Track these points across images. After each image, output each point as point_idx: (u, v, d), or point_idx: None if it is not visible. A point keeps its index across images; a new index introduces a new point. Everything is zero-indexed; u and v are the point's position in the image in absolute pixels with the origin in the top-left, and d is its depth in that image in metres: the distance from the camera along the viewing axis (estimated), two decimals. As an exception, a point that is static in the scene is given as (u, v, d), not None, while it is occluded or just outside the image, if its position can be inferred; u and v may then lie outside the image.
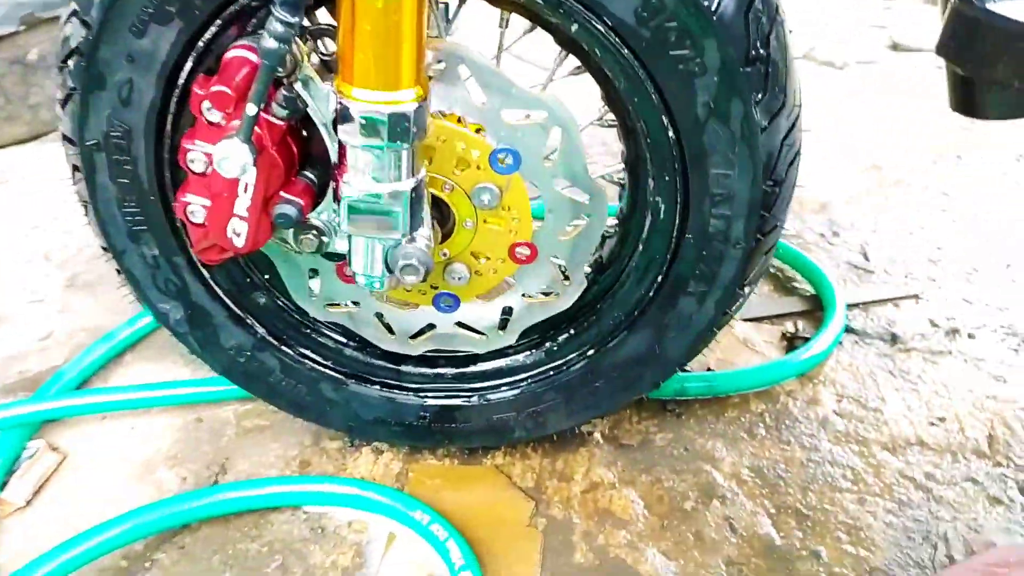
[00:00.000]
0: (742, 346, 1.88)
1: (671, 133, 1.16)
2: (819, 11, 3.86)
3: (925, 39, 3.55)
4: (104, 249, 1.33)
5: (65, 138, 1.21)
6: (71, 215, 2.38)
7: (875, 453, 1.61)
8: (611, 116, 1.29)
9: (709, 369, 1.79)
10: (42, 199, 2.46)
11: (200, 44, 1.11)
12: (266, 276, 1.43)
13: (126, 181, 1.22)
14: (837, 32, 3.68)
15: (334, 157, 1.11)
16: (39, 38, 2.69)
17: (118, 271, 1.34)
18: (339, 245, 1.19)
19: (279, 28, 0.92)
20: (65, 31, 1.13)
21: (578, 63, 1.21)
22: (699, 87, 1.10)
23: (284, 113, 1.05)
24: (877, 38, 3.67)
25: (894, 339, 1.90)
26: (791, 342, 1.89)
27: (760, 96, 1.11)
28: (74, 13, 1.11)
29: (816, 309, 1.98)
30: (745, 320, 1.94)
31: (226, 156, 1.00)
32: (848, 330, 1.91)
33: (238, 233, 1.13)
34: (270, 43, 0.93)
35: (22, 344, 1.88)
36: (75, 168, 1.23)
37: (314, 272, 1.34)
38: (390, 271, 1.16)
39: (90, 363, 1.76)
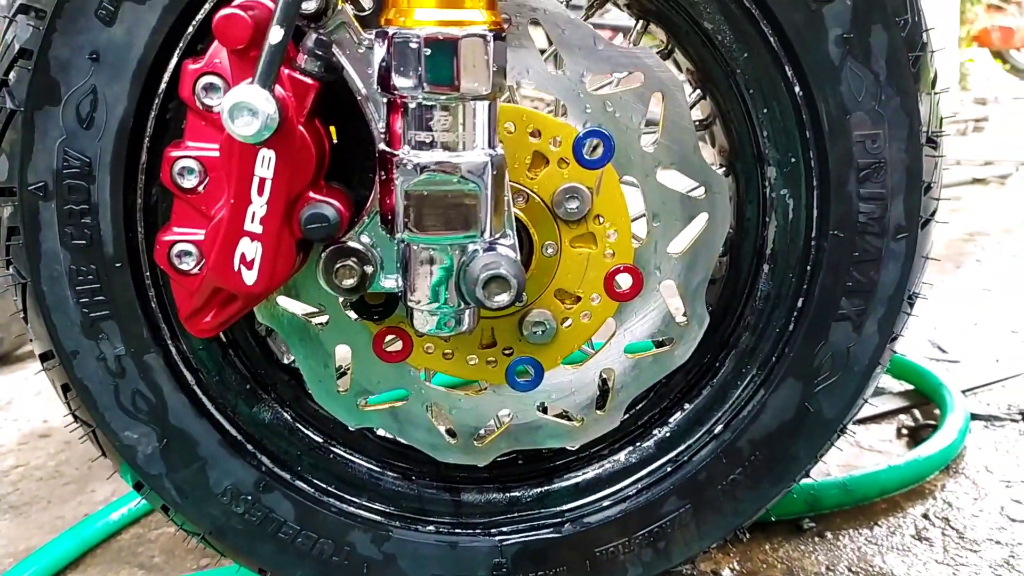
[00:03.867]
0: (860, 449, 1.52)
1: (797, 90, 0.92)
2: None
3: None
4: (44, 358, 0.95)
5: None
6: (-9, 438, 1.97)
7: (1092, 535, 1.22)
8: (698, 115, 1.05)
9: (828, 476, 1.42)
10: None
11: (189, 31, 0.85)
12: (271, 383, 1.05)
13: (83, 243, 0.89)
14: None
15: (381, 141, 0.81)
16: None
17: (64, 388, 0.95)
18: (387, 282, 0.86)
19: (318, -101, 0.67)
20: (6, 39, 0.86)
21: (662, 38, 0.99)
22: (830, 16, 0.88)
23: (315, 67, 0.77)
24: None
25: (1027, 417, 1.58)
26: (913, 435, 1.54)
27: (904, 20, 0.89)
28: (20, 10, 0.84)
29: (919, 402, 1.67)
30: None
31: (239, 101, 0.69)
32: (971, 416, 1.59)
33: (249, 262, 0.79)
34: (305, -77, 0.68)
35: (-81, 582, 1.38)
36: (10, 233, 0.89)
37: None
38: (466, 301, 0.83)
39: (14, 586, 1.28)
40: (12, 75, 0.85)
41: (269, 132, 0.71)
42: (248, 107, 0.70)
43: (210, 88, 0.78)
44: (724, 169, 1.05)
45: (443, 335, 0.87)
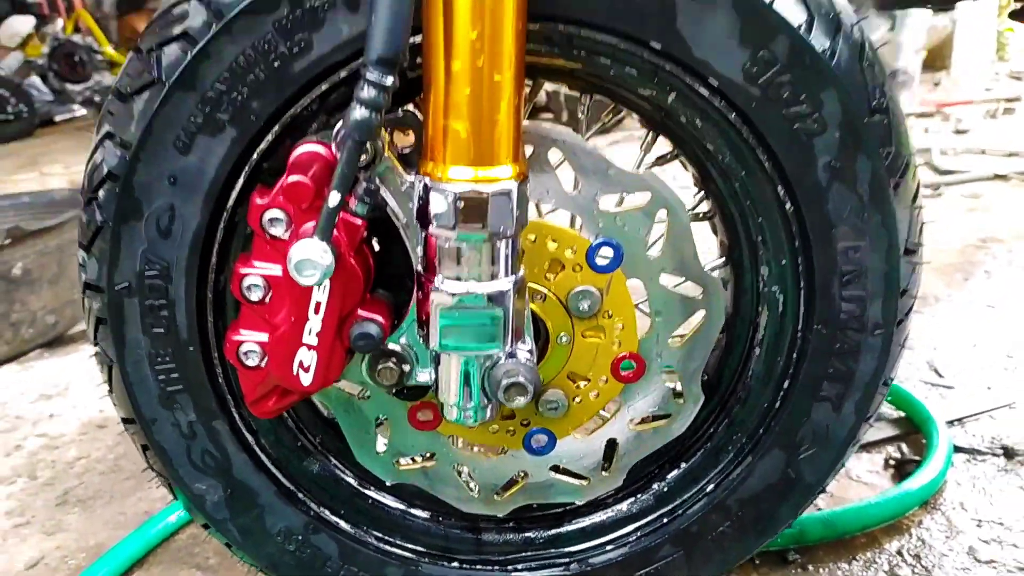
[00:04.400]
0: (847, 479, 1.65)
1: (788, 206, 1.02)
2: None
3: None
4: (126, 422, 1.11)
5: (88, 287, 1.03)
6: (58, 430, 2.15)
7: (1048, 580, 1.35)
8: (703, 208, 1.16)
9: (818, 509, 1.55)
10: (24, 419, 2.22)
11: (254, 157, 0.97)
12: (318, 438, 1.20)
13: (161, 331, 1.03)
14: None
15: (418, 264, 0.94)
16: (24, 252, 2.57)
17: (144, 447, 1.11)
18: (422, 376, 1.00)
19: (371, 93, 0.79)
20: (95, 159, 0.99)
21: (669, 146, 1.10)
22: (819, 147, 0.99)
23: (364, 210, 0.89)
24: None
25: (1008, 452, 1.69)
26: (899, 468, 1.67)
27: (886, 150, 0.99)
28: (107, 136, 0.97)
29: (909, 431, 1.79)
30: (839, 451, 1.73)
31: (304, 258, 0.82)
32: (955, 448, 1.71)
33: (306, 367, 0.93)
34: (360, 112, 0.79)
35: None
36: (99, 322, 1.04)
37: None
38: (488, 398, 0.96)
39: (91, 587, 1.46)
40: (101, 193, 0.98)
41: (327, 277, 0.84)
42: (311, 263, 0.83)
43: (275, 220, 0.91)
44: (724, 259, 1.17)
45: (468, 424, 1.01)
